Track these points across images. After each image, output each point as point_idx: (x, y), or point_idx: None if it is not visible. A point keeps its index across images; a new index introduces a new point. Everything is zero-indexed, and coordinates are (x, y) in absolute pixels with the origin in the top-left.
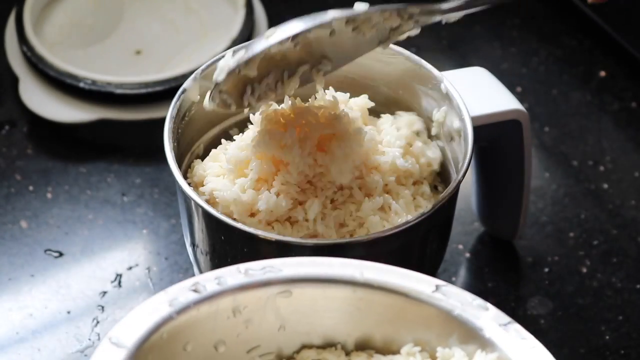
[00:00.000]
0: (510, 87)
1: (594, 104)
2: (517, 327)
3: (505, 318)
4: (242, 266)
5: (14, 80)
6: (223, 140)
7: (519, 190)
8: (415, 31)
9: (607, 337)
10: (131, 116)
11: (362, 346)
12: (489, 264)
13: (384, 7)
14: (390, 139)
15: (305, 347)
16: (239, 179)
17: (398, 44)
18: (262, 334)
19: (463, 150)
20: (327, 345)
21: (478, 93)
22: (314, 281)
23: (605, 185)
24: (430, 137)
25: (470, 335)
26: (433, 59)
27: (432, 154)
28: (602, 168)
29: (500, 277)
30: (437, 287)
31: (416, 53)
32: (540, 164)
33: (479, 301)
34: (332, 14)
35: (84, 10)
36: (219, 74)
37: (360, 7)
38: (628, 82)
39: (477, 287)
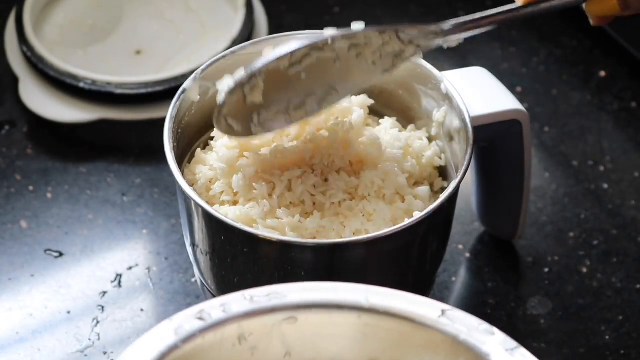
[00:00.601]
0: (510, 87)
1: (594, 104)
2: (523, 352)
3: (512, 343)
4: (247, 293)
5: (14, 80)
6: (211, 142)
7: (519, 190)
8: (417, 57)
9: (607, 337)
10: (131, 116)
11: None
12: (489, 264)
13: (382, 28)
14: (390, 140)
15: None
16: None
17: None
18: None
19: (463, 150)
20: None
21: (478, 93)
22: (319, 307)
23: (605, 185)
24: (430, 137)
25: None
26: (433, 59)
27: (432, 154)
28: (602, 168)
29: (500, 277)
30: (443, 312)
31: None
32: (540, 164)
33: (485, 326)
34: (329, 33)
35: (84, 10)
36: (219, 97)
37: (356, 27)
38: (628, 82)
39: (477, 287)
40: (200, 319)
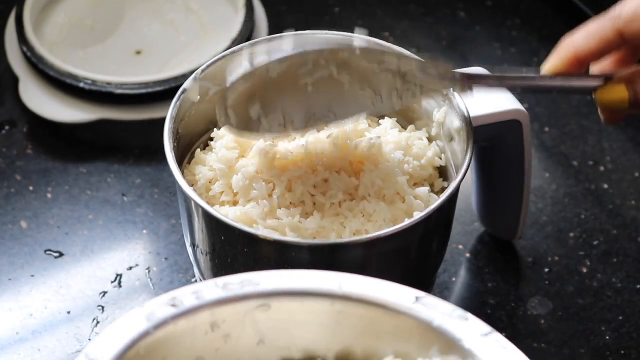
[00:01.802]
0: None
1: (594, 104)
2: (497, 337)
3: (486, 328)
4: (220, 280)
5: (14, 80)
6: (210, 142)
7: (519, 190)
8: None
9: (607, 337)
10: (131, 116)
11: (343, 359)
12: (489, 264)
13: (405, 55)
14: (390, 140)
15: None
16: (239, 207)
17: (398, 43)
18: (241, 348)
19: (463, 150)
20: (307, 359)
21: (478, 93)
22: (292, 294)
23: (605, 185)
24: (430, 137)
25: (451, 346)
26: None
27: (432, 154)
28: (602, 168)
29: (500, 277)
30: (417, 299)
31: (416, 53)
32: (540, 164)
33: (459, 312)
34: (357, 41)
35: (84, 10)
36: (229, 79)
37: (382, 43)
38: None
39: (477, 287)
40: (173, 305)
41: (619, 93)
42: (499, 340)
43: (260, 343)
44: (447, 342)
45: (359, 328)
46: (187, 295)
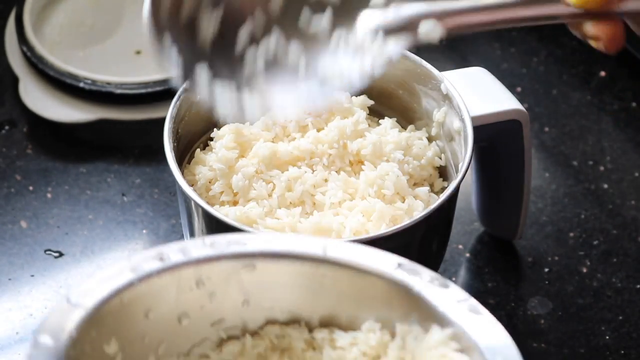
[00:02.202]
0: (510, 87)
1: (594, 104)
2: (473, 303)
3: (463, 295)
4: (208, 239)
5: (14, 80)
6: (210, 142)
7: (519, 190)
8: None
9: (607, 337)
10: (131, 116)
11: (327, 323)
12: (489, 264)
13: None
14: (390, 140)
15: (269, 322)
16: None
17: None
18: (226, 307)
19: (463, 150)
20: (292, 322)
21: (478, 93)
22: (277, 256)
23: (605, 185)
24: (430, 137)
25: (429, 312)
26: (433, 59)
27: (432, 154)
28: (602, 168)
29: (500, 277)
30: (399, 265)
31: (416, 53)
32: (540, 164)
33: (440, 279)
34: None
35: (84, 10)
36: None
37: None
38: (628, 82)
39: (477, 287)
40: (159, 259)
41: None
42: (474, 305)
43: (245, 303)
44: (426, 308)
45: (342, 292)
46: (173, 251)
